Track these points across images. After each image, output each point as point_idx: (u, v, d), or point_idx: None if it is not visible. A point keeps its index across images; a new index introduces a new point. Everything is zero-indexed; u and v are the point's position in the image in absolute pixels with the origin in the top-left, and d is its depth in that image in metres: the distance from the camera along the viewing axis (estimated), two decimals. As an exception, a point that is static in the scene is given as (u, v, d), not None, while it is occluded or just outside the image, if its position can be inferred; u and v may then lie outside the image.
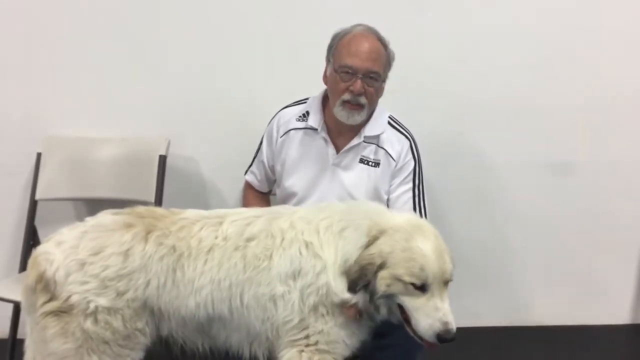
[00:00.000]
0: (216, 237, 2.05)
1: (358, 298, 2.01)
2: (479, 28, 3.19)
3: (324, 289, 2.01)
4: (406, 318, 1.99)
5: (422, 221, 2.12)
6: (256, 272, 2.02)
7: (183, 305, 2.02)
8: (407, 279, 1.93)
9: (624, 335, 3.59)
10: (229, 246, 2.04)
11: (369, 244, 2.01)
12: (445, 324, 1.91)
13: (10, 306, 2.82)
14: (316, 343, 2.04)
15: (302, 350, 2.04)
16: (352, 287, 1.99)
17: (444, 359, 3.08)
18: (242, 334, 2.09)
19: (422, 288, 1.93)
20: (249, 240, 2.06)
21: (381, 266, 1.96)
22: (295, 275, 2.02)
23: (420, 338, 1.97)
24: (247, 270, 2.02)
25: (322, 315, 2.03)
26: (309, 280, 2.02)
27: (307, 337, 2.04)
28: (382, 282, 1.95)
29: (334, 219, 2.09)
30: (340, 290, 2.01)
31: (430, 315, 1.92)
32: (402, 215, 2.12)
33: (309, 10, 3.11)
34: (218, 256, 2.03)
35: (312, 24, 3.06)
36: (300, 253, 2.03)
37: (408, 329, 2.00)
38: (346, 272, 2.00)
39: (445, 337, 1.91)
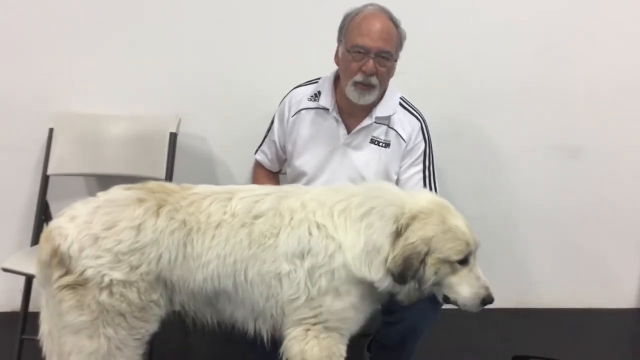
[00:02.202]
0: (225, 213, 2.06)
1: (396, 287, 2.05)
2: (488, 13, 3.18)
3: (341, 271, 2.03)
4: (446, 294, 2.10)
5: (442, 199, 2.18)
6: (261, 250, 2.04)
7: (192, 278, 2.05)
8: (455, 258, 2.02)
9: (630, 319, 3.60)
10: (236, 223, 2.05)
11: (398, 232, 2.03)
12: (487, 289, 2.07)
13: (23, 279, 2.85)
14: (326, 321, 2.06)
15: (309, 329, 2.07)
16: (402, 280, 2.01)
17: (450, 340, 3.15)
18: (247, 310, 2.12)
19: (464, 262, 2.04)
20: (256, 217, 2.07)
21: (427, 253, 1.99)
22: (304, 254, 2.03)
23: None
24: (252, 247, 2.03)
25: (340, 295, 2.05)
26: (320, 262, 2.03)
27: (316, 315, 2.06)
28: (431, 269, 2.01)
29: (351, 204, 2.09)
30: (359, 271, 2.02)
31: (474, 285, 2.06)
32: (421, 197, 2.14)
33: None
34: (225, 232, 2.04)
35: (323, 5, 3.05)
36: (310, 233, 2.04)
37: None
38: (392, 267, 2.00)
39: (489, 301, 2.08)
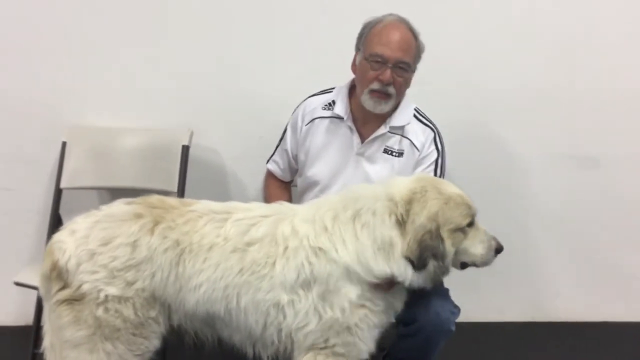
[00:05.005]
0: (217, 236, 2.04)
1: (419, 277, 2.03)
2: (502, 18, 3.16)
3: (350, 290, 2.01)
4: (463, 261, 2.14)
5: (424, 174, 2.37)
6: (255, 277, 2.01)
7: (185, 299, 2.03)
8: (464, 222, 2.06)
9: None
10: (227, 247, 2.03)
11: (399, 222, 2.02)
12: (495, 238, 2.16)
13: (36, 293, 2.83)
14: (333, 346, 2.04)
15: (318, 354, 2.05)
16: (422, 264, 2.00)
17: (466, 352, 3.10)
18: (243, 335, 2.10)
19: (471, 223, 2.10)
20: (249, 244, 2.04)
21: (437, 228, 2.00)
22: (310, 283, 2.01)
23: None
24: (244, 273, 2.01)
25: (351, 313, 2.02)
26: (330, 286, 2.00)
27: (326, 339, 2.04)
28: (448, 242, 2.03)
29: (337, 209, 2.08)
30: (375, 271, 2.00)
31: (484, 240, 2.13)
32: (400, 181, 2.14)
33: (329, 3, 3.09)
34: (217, 256, 2.02)
35: (333, 16, 3.06)
36: (310, 262, 2.01)
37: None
38: (409, 254, 1.99)
39: (500, 248, 2.15)
